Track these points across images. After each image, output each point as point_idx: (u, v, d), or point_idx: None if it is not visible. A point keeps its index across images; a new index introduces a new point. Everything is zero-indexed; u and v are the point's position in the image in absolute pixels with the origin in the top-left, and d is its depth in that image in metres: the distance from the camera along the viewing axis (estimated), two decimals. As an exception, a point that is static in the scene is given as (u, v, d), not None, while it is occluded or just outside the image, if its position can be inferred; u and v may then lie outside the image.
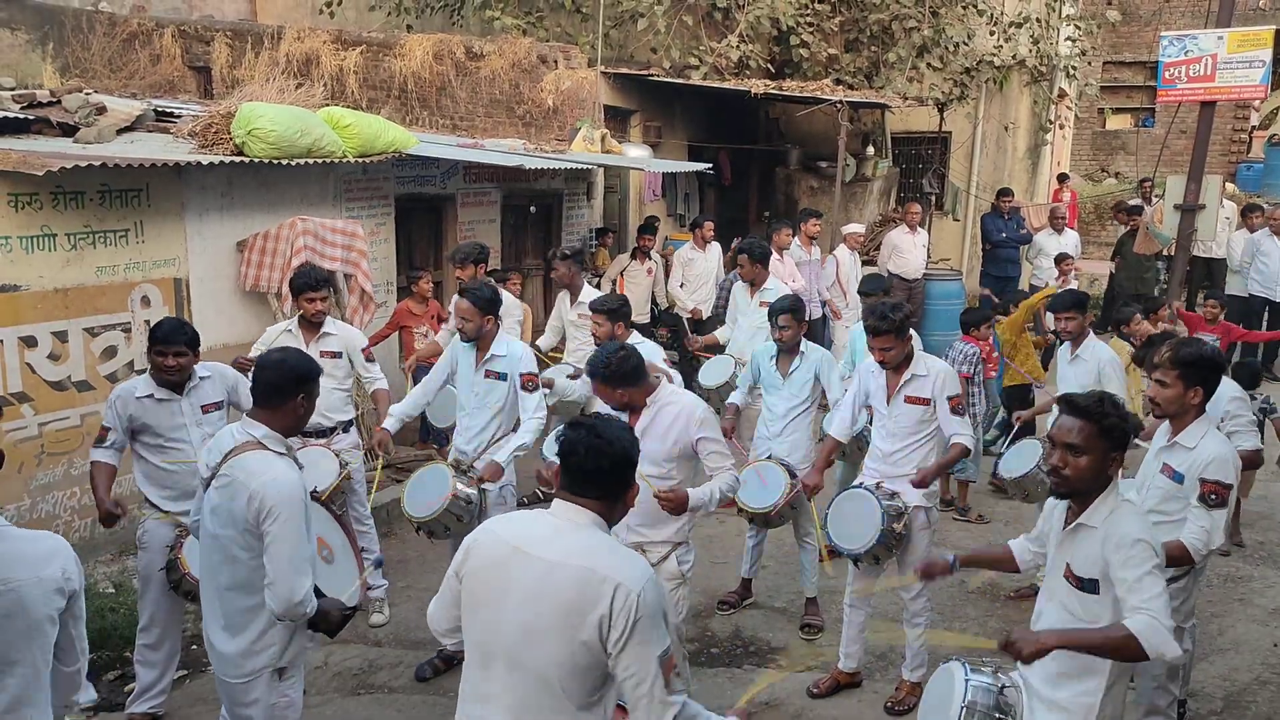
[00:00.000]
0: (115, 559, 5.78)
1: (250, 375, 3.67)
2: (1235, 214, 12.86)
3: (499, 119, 10.51)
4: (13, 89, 8.05)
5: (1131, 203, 13.36)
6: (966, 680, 3.17)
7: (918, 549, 4.81)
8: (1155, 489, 3.97)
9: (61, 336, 5.58)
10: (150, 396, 4.38)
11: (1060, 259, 10.84)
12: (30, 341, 5.43)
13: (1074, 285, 11.00)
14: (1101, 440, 2.98)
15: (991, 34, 12.81)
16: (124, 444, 4.44)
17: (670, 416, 4.14)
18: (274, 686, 3.37)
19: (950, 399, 4.71)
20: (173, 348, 4.33)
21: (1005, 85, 13.46)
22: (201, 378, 4.50)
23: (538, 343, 7.36)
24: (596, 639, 2.36)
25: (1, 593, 2.51)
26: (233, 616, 3.33)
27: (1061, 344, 6.21)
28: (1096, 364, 5.65)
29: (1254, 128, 20.01)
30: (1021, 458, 5.76)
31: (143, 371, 4.68)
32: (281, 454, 3.32)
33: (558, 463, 2.57)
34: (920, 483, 4.70)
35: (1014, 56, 13.33)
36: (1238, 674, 5.24)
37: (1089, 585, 3.00)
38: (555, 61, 10.37)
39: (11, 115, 6.58)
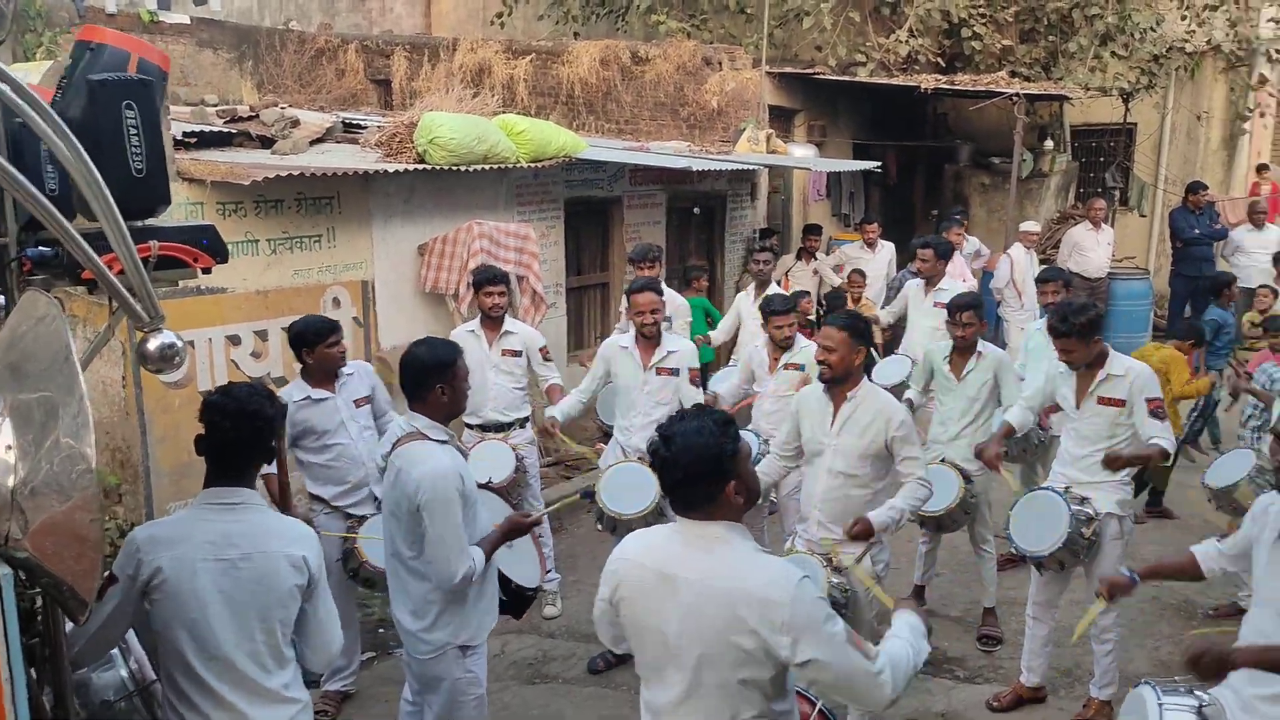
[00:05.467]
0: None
1: None
2: None
3: (663, 122, 10.61)
4: (216, 105, 8.68)
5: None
6: (1160, 705, 2.99)
7: (1109, 560, 4.55)
8: None
9: (262, 335, 5.96)
10: (307, 399, 4.58)
11: (1277, 259, 10.05)
12: (235, 340, 5.82)
13: None
14: None
15: (1183, 18, 12.07)
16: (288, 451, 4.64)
17: (869, 414, 4.07)
18: (459, 662, 3.53)
19: (1149, 401, 4.44)
20: (338, 335, 4.61)
21: (1198, 73, 12.66)
22: (347, 374, 4.70)
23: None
24: (762, 652, 2.32)
25: (256, 560, 2.75)
26: (415, 598, 3.51)
27: None
28: None
29: None
30: (1232, 466, 5.38)
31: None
32: (443, 441, 3.47)
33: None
34: (1109, 463, 4.42)
35: (1208, 41, 12.52)
36: None
37: None
38: (719, 63, 10.38)
39: (216, 129, 7.08)
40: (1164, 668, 5.11)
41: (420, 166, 6.74)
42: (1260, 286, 8.89)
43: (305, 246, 6.25)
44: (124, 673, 2.85)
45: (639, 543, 2.59)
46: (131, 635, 2.85)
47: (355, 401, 4.71)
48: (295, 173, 5.80)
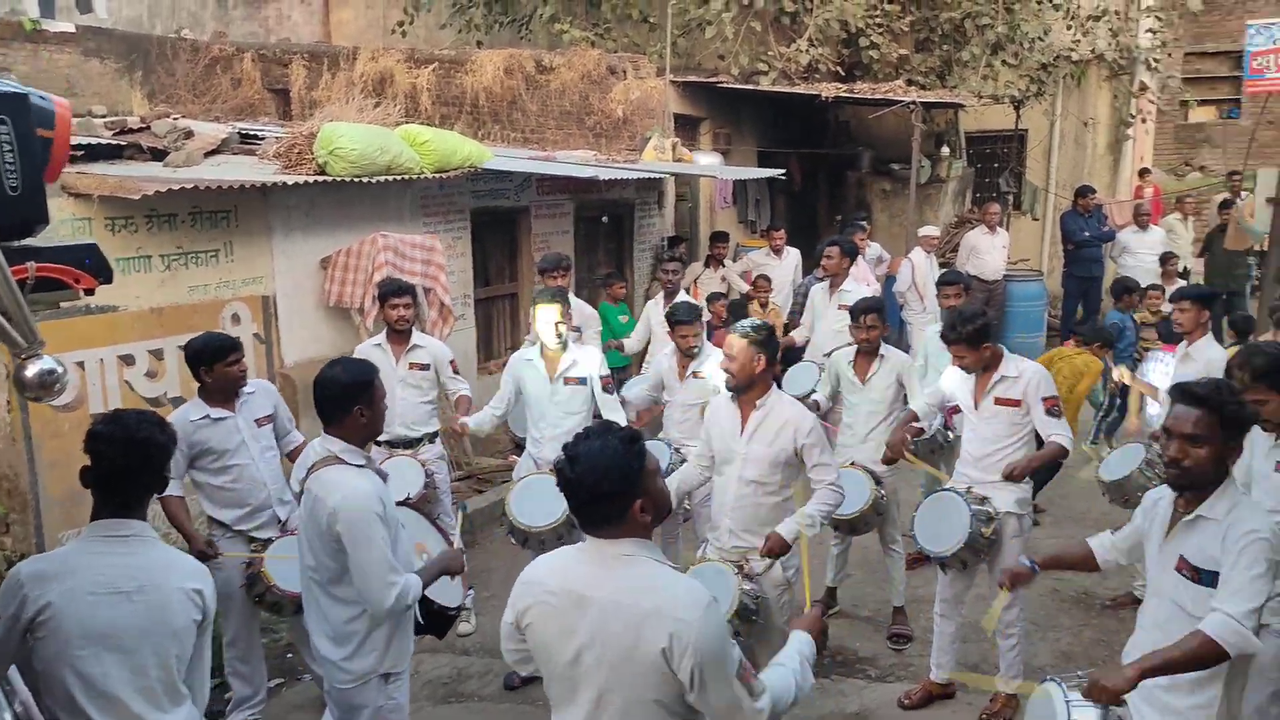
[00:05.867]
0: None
1: None
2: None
3: (569, 131, 10.58)
4: (105, 116, 8.35)
5: (1220, 197, 12.96)
6: (1068, 703, 3.06)
7: (1009, 557, 4.68)
8: (1272, 489, 3.81)
9: (158, 354, 5.75)
10: (205, 418, 4.43)
11: (1165, 258, 10.51)
12: (128, 360, 5.60)
13: (1182, 285, 10.66)
14: (1221, 429, 2.90)
15: (1069, 28, 12.55)
16: (184, 473, 4.45)
17: (779, 422, 4.10)
18: (382, 690, 3.45)
19: (1045, 400, 4.59)
20: (239, 354, 4.47)
21: (1083, 80, 13.17)
22: (248, 393, 4.58)
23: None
24: (668, 670, 2.32)
25: (150, 594, 2.64)
26: (336, 626, 3.41)
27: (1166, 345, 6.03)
28: (1205, 364, 5.44)
29: (1346, 116, 19.24)
30: (1123, 461, 5.59)
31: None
32: (360, 465, 3.39)
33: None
34: (1009, 475, 4.55)
35: (1092, 51, 13.03)
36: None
37: (1207, 579, 2.91)
38: (624, 72, 10.41)
39: (105, 142, 6.82)
40: (1066, 658, 5.29)
41: (321, 178, 6.60)
42: (1150, 288, 9.23)
43: (201, 262, 6.06)
44: (8, 716, 2.70)
45: (546, 565, 2.56)
46: (16, 676, 2.71)
47: (257, 421, 4.58)
48: (189, 186, 5.61)
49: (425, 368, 5.49)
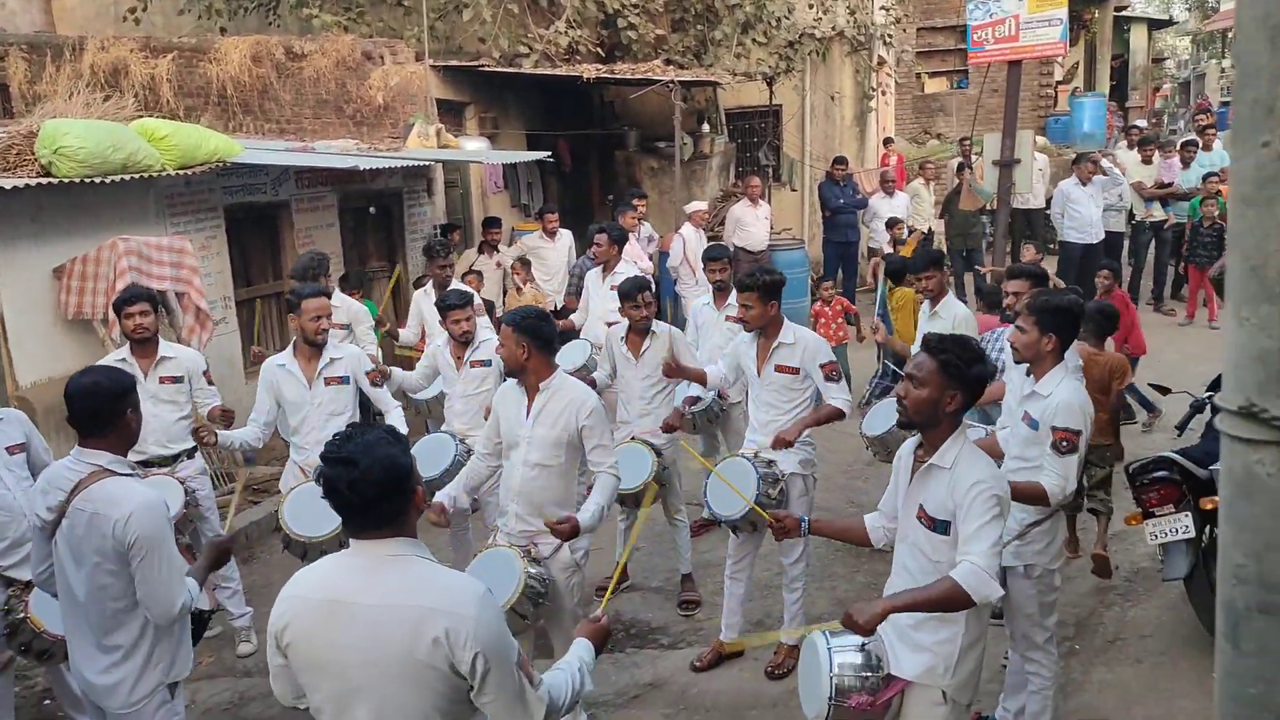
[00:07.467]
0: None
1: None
2: (1048, 166, 13.62)
3: (328, 120, 10.18)
4: None
5: (955, 162, 14.00)
6: (829, 649, 3.26)
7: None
8: (1017, 436, 4.13)
9: None
10: None
11: (891, 223, 11.25)
12: None
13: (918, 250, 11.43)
14: (939, 375, 3.13)
15: (810, 7, 13.17)
16: None
17: (561, 404, 4.11)
18: (167, 705, 3.31)
19: (823, 366, 4.84)
20: None
21: (827, 56, 13.87)
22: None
23: (398, 330, 7.36)
24: (448, 670, 2.27)
25: None
26: (118, 649, 3.22)
27: (922, 303, 6.45)
28: (952, 321, 5.88)
29: (1058, 83, 21.27)
30: (883, 414, 5.96)
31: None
32: (131, 474, 3.26)
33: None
34: (782, 441, 4.79)
35: (833, 28, 13.74)
36: (1085, 599, 5.59)
37: (941, 527, 3.14)
38: (381, 57, 10.11)
39: None
40: (841, 605, 5.59)
41: (45, 180, 6.05)
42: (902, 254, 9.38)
43: (-93, 280, 5.44)
44: None
45: (308, 575, 2.43)
46: None
47: (9, 448, 4.22)
48: (-117, 197, 5.03)
49: (178, 380, 5.14)
